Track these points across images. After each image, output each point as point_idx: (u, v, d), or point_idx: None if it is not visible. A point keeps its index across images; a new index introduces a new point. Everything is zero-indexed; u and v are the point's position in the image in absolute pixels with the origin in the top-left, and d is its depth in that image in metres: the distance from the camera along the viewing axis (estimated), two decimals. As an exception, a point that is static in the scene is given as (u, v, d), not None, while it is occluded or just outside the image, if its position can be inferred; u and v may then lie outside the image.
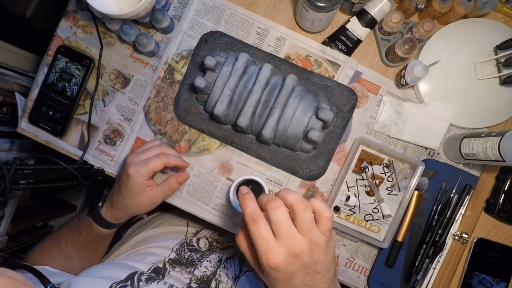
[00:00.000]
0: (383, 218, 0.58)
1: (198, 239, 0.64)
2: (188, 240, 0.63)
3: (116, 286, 0.44)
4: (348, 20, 0.57)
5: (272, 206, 0.34)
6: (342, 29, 0.58)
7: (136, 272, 0.49)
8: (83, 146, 0.62)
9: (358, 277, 0.61)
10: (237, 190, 0.57)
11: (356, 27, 0.57)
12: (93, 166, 0.62)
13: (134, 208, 0.55)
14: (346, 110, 0.57)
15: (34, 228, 1.08)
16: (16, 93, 0.64)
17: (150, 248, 0.59)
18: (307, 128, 0.52)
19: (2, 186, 0.41)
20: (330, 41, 0.58)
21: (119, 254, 0.61)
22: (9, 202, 0.89)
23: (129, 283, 0.46)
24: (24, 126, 0.63)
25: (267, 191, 0.54)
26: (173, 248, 0.59)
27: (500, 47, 0.56)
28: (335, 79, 0.58)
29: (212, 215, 0.61)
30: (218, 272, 0.57)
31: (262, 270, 0.35)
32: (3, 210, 0.88)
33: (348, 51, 0.58)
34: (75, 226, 0.59)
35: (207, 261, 0.59)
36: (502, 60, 0.56)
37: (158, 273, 0.51)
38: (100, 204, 0.57)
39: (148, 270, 0.51)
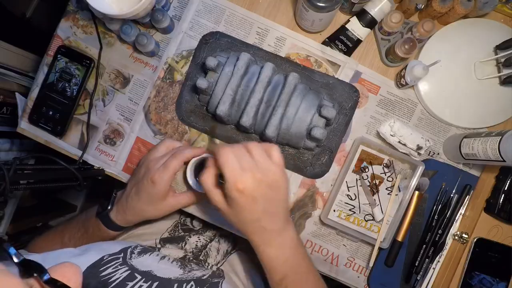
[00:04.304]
0: (377, 222, 0.58)
1: (192, 219, 0.65)
2: (182, 220, 0.64)
3: (108, 257, 0.44)
4: (348, 20, 0.57)
5: (236, 148, 0.40)
6: (342, 29, 0.58)
7: (130, 246, 0.49)
8: (83, 146, 0.62)
9: (358, 277, 0.61)
10: (196, 168, 0.57)
11: (356, 27, 0.57)
12: (93, 166, 0.62)
13: (152, 214, 0.54)
14: (349, 107, 0.57)
15: (34, 228, 1.08)
16: (16, 93, 0.64)
17: (143, 230, 0.60)
18: (310, 126, 0.53)
19: (2, 186, 0.41)
20: (330, 41, 0.58)
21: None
22: (9, 202, 0.89)
23: (121, 255, 0.46)
24: (24, 126, 0.63)
25: None
26: (167, 229, 0.61)
27: (500, 47, 0.56)
28: (335, 79, 0.58)
29: (211, 216, 0.60)
30: (209, 245, 0.59)
31: (228, 200, 0.40)
32: (3, 210, 0.88)
33: (348, 51, 0.58)
34: (81, 223, 0.57)
35: (200, 235, 0.61)
36: (502, 60, 0.56)
37: (151, 250, 0.52)
38: (109, 208, 0.54)
39: (142, 246, 0.52)
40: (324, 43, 0.59)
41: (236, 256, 0.60)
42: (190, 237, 0.60)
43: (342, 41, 0.58)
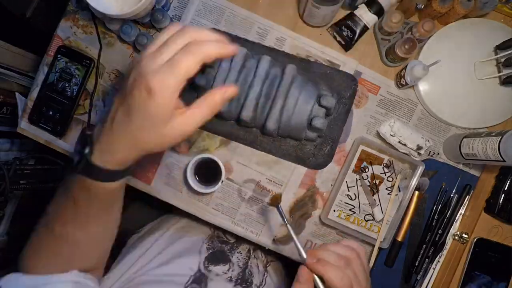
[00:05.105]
0: (377, 222, 0.58)
1: (225, 232, 0.65)
2: (216, 233, 0.64)
3: None
4: (357, 7, 0.57)
5: (339, 263, 0.39)
6: (350, 15, 0.57)
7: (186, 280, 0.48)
8: (83, 146, 0.62)
9: (358, 277, 0.61)
10: (196, 168, 0.58)
11: (364, 13, 0.56)
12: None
13: (153, 144, 0.35)
14: (348, 96, 0.57)
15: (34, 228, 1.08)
16: (16, 93, 0.64)
17: (181, 242, 0.59)
18: (311, 116, 0.53)
19: (2, 186, 0.41)
20: (337, 26, 0.57)
21: (146, 260, 0.56)
22: (9, 202, 0.89)
23: None
24: (24, 126, 0.63)
25: (222, 168, 0.56)
26: (203, 241, 0.60)
27: (500, 47, 0.56)
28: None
29: (212, 215, 0.60)
30: (249, 263, 0.59)
31: None
32: (3, 210, 0.88)
33: (353, 41, 0.57)
34: (65, 199, 0.40)
35: (237, 252, 0.61)
36: (502, 60, 0.56)
37: (199, 283, 0.51)
38: (86, 151, 0.35)
39: (188, 281, 0.50)
40: (331, 27, 0.58)
41: (271, 268, 0.63)
42: (231, 255, 0.60)
43: (349, 27, 0.57)
